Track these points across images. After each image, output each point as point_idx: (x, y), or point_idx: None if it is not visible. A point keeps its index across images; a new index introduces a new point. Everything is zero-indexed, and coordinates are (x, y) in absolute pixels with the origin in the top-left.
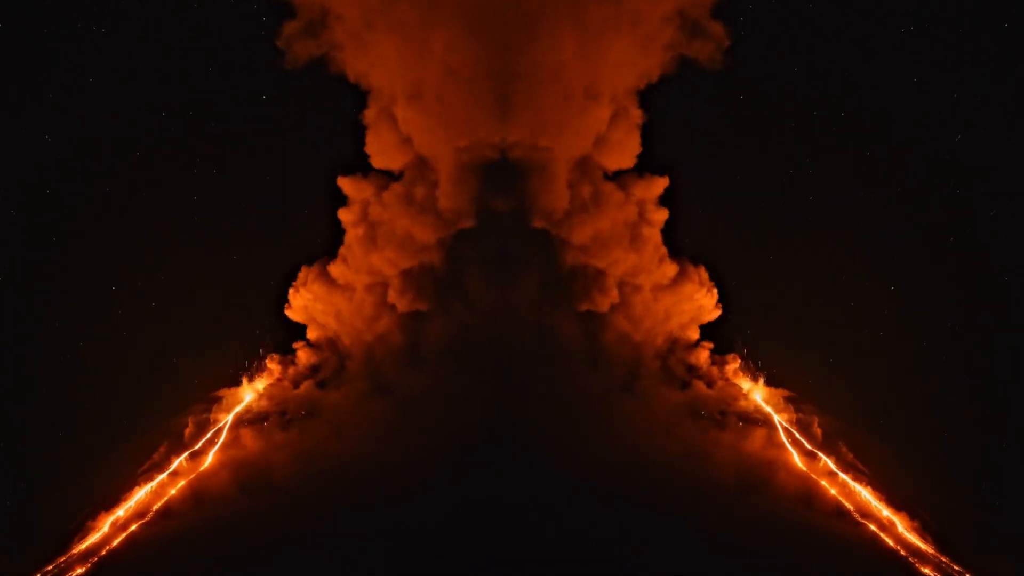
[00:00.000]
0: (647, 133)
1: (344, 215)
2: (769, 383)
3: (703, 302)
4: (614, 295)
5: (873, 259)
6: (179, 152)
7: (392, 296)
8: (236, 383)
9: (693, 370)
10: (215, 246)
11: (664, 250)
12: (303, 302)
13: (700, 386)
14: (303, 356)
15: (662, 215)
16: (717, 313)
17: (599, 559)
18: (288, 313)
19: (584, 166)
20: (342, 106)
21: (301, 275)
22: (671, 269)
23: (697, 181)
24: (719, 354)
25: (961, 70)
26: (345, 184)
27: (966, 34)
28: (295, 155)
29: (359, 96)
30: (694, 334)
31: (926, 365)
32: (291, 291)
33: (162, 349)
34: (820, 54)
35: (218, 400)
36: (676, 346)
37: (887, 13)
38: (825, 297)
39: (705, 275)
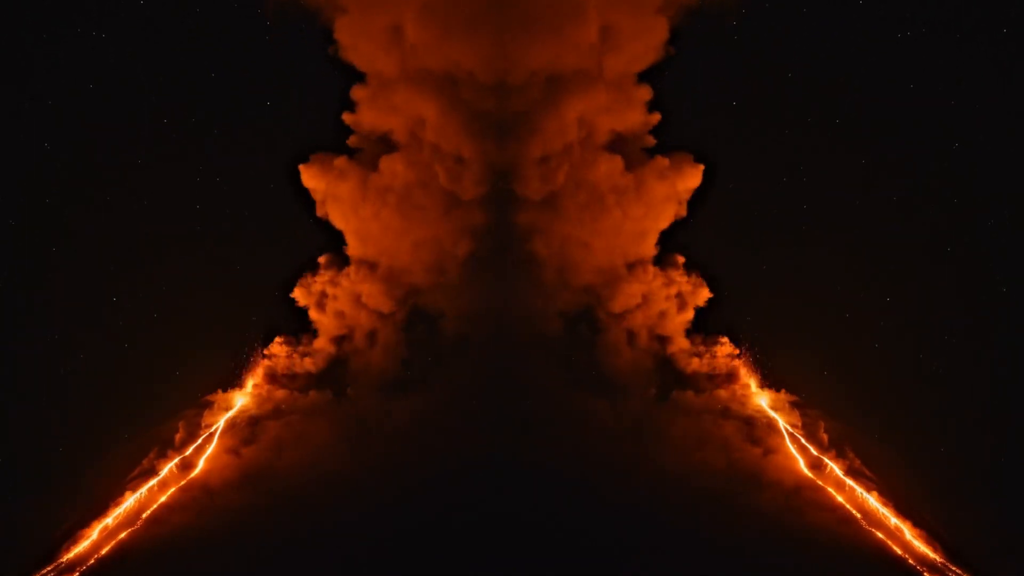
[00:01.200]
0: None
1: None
2: (774, 387)
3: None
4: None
5: (881, 263)
6: (174, 154)
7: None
8: (227, 387)
9: (703, 373)
10: (209, 251)
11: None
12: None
13: (705, 389)
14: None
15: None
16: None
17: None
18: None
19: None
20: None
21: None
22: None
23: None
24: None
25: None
26: (356, 92)
27: (965, 37)
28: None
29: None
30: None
31: (933, 369)
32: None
33: (155, 353)
34: (826, 58)
35: (209, 405)
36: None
37: (888, 16)
38: (831, 301)
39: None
